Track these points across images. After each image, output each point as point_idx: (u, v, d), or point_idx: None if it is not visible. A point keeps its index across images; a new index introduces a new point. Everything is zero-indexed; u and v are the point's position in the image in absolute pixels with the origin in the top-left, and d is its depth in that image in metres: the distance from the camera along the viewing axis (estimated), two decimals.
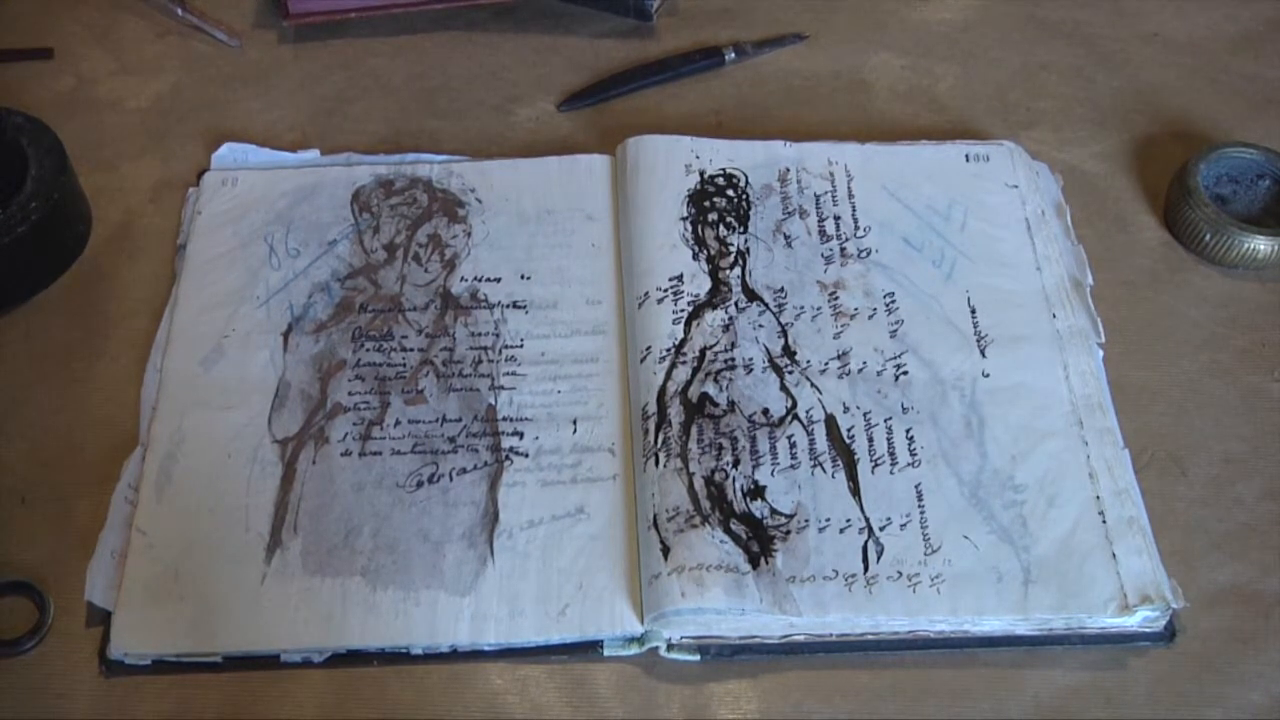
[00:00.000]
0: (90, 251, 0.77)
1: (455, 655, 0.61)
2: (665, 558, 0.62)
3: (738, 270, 0.73)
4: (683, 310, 0.71)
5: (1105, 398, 0.69)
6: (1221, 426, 0.70)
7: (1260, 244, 0.74)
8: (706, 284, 0.72)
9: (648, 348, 0.70)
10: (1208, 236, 0.75)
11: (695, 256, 0.74)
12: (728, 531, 0.63)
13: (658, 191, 0.76)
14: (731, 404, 0.68)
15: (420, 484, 0.66)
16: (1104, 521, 0.64)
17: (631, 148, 0.78)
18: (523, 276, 0.74)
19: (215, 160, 0.80)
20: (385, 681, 0.61)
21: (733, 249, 0.74)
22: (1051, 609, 0.61)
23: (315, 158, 0.81)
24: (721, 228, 0.75)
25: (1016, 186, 0.77)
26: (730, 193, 0.77)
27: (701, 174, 0.77)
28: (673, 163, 0.78)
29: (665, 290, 0.72)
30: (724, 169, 0.78)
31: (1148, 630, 0.62)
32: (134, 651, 0.60)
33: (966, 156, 0.79)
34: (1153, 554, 0.63)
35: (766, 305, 0.72)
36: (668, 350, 0.69)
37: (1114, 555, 0.62)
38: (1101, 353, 0.71)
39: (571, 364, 0.71)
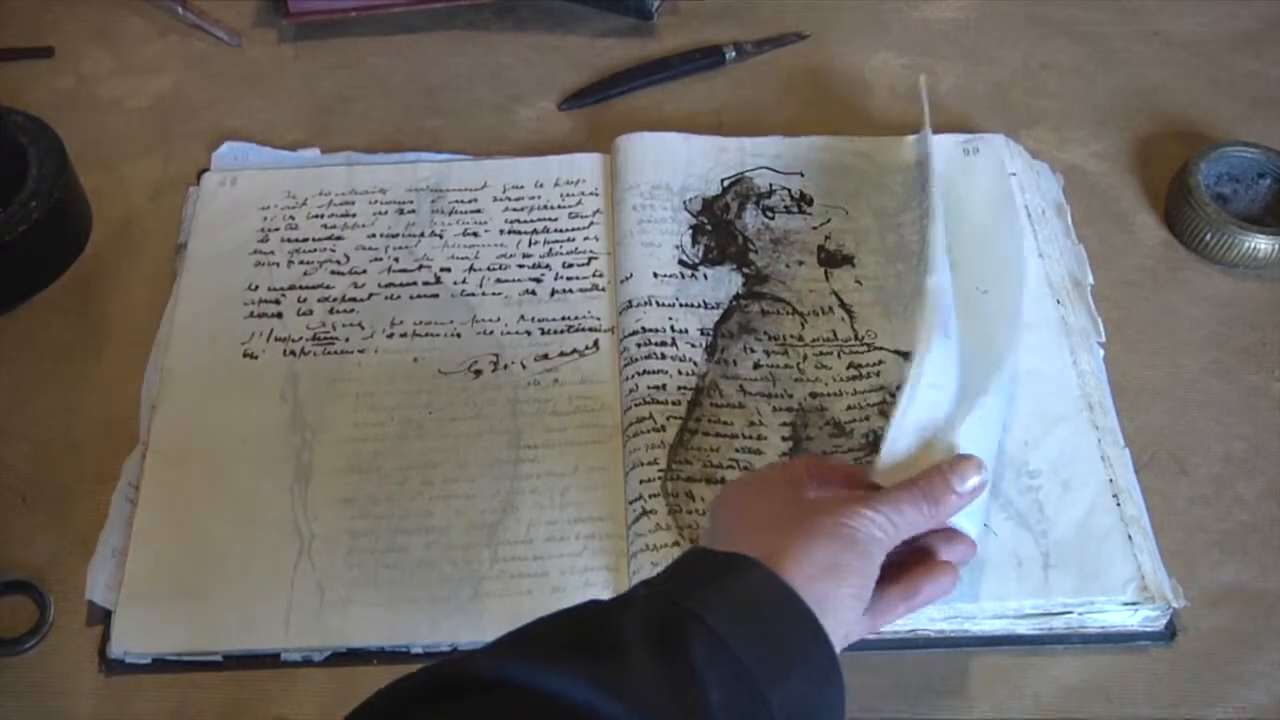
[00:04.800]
0: (91, 251, 0.77)
1: (456, 654, 0.61)
2: None
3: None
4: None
5: (1106, 396, 0.69)
6: (1222, 425, 0.70)
7: (1261, 243, 0.74)
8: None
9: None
10: (1208, 236, 0.75)
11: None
12: None
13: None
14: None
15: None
16: (1118, 504, 0.63)
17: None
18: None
19: (215, 159, 0.80)
20: (386, 680, 0.61)
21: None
22: (1072, 592, 0.61)
23: (315, 157, 0.81)
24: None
25: (1015, 174, 0.77)
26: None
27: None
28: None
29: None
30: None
31: (1148, 629, 0.62)
32: (134, 650, 0.60)
33: (964, 149, 0.79)
34: (1153, 553, 0.63)
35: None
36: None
37: (1129, 537, 0.62)
38: (1102, 352, 0.71)
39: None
